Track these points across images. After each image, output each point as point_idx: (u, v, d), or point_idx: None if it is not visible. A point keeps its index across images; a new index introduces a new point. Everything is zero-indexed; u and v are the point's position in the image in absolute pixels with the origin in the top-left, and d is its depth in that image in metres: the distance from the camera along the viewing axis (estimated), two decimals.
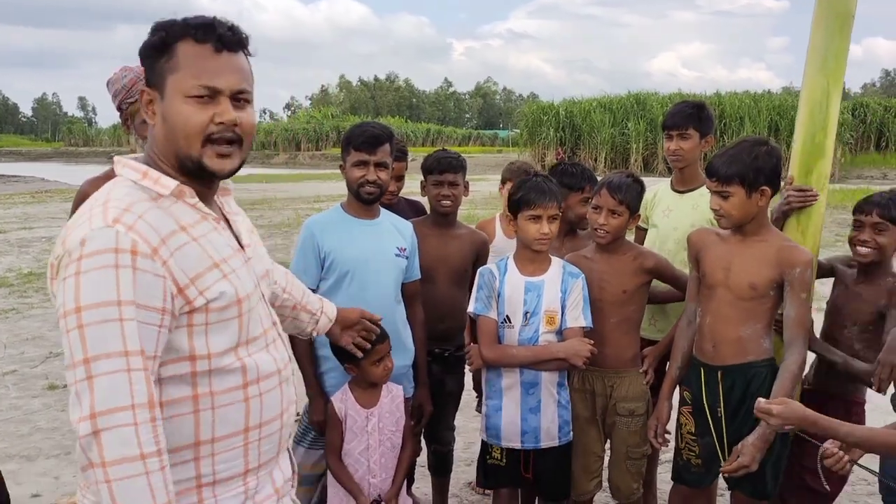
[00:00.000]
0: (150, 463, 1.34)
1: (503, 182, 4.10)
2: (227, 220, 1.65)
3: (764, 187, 2.63)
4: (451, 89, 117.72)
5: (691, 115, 3.35)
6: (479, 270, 3.00)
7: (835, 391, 2.98)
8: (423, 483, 3.87)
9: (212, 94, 1.50)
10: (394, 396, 2.88)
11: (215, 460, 1.50)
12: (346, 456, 2.81)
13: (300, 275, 2.96)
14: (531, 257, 2.90)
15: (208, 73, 1.49)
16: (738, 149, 2.67)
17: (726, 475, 2.64)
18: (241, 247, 1.62)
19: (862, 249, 2.86)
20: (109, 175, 2.93)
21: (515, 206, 2.87)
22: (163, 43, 1.50)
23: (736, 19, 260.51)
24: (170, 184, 1.50)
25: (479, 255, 3.40)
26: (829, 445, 2.24)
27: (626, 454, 3.04)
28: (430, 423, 3.38)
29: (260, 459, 1.58)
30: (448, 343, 3.37)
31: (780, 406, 2.11)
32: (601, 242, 2.99)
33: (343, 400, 2.81)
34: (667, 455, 4.15)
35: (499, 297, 2.88)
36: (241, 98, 1.55)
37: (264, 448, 1.59)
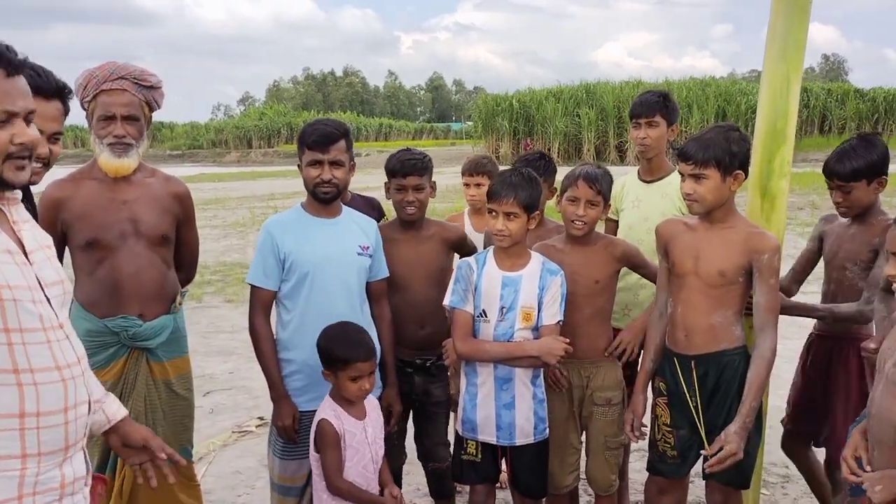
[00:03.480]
0: None
1: (462, 175, 4.08)
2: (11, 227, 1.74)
3: (738, 171, 2.67)
4: (397, 81, 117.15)
5: (658, 102, 3.39)
6: (457, 263, 2.96)
7: (842, 333, 3.11)
8: None
9: (7, 119, 1.66)
10: (374, 406, 2.84)
11: None
12: (348, 475, 2.65)
13: (261, 277, 2.90)
14: (508, 252, 2.86)
15: (5, 98, 1.65)
16: (712, 133, 2.71)
17: (709, 467, 2.65)
18: (24, 251, 1.71)
19: (840, 210, 3.06)
20: (76, 177, 2.84)
21: (487, 197, 2.87)
22: None
23: (679, 8, 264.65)
24: None
25: (455, 248, 3.30)
26: None
27: (604, 444, 3.04)
28: (421, 439, 3.33)
29: (40, 448, 1.64)
30: (430, 352, 3.22)
31: (881, 485, 2.02)
32: (578, 234, 2.97)
33: (336, 416, 2.65)
34: (638, 445, 4.18)
35: (476, 290, 2.84)
36: (30, 119, 1.71)
37: (44, 437, 1.65)
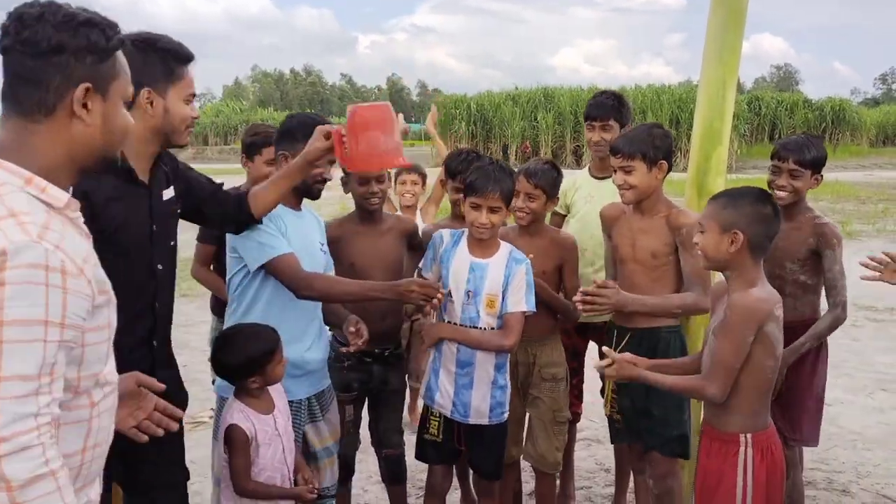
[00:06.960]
0: None
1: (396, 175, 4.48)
2: None
3: (662, 161, 2.92)
4: (350, 82, 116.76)
5: (613, 106, 3.55)
6: (434, 234, 3.09)
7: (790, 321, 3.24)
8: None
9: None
10: (280, 393, 2.74)
11: None
12: (263, 470, 2.62)
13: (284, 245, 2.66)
14: (479, 240, 2.96)
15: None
16: (637, 130, 3.00)
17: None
18: None
19: (780, 193, 3.13)
20: None
21: (466, 189, 2.94)
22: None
23: (634, 16, 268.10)
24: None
25: (411, 242, 3.34)
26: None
27: (552, 419, 3.20)
28: (376, 426, 3.37)
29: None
30: (388, 342, 3.26)
31: (615, 367, 2.50)
32: (521, 224, 3.16)
33: (246, 418, 2.59)
34: (584, 434, 4.33)
35: (443, 266, 2.98)
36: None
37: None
